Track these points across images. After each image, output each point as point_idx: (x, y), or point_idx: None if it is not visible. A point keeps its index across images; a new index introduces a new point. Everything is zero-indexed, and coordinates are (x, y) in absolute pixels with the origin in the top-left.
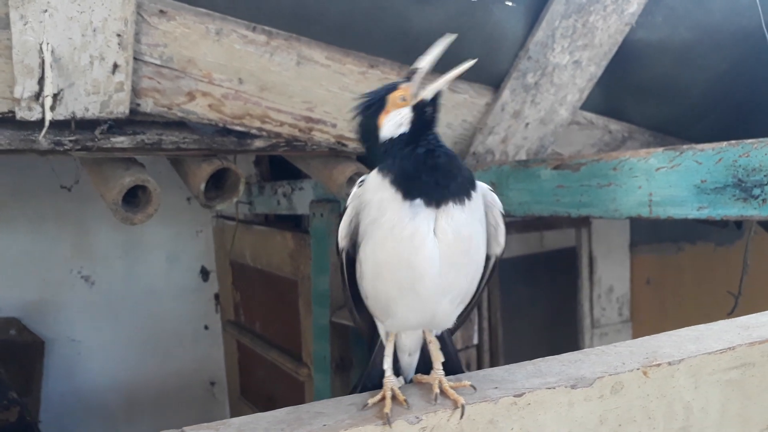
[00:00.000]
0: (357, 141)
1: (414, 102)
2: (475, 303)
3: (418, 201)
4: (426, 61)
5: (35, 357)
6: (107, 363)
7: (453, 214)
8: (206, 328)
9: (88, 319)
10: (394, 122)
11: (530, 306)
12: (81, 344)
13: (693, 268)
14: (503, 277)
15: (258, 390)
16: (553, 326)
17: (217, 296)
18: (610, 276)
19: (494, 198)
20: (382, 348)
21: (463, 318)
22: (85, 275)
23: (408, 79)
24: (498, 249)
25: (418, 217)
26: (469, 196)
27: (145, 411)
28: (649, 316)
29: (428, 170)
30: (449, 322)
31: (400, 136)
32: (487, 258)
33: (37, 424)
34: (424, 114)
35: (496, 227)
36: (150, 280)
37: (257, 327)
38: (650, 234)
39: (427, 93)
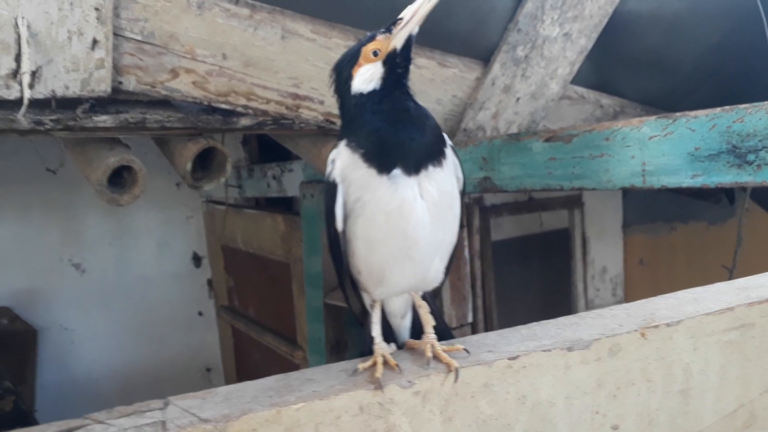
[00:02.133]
0: (332, 92)
1: (385, 56)
2: (452, 254)
3: (396, 172)
4: (410, 11)
5: (28, 346)
6: (101, 351)
7: (434, 175)
8: (200, 314)
9: (81, 307)
10: (365, 78)
11: (524, 287)
12: (74, 332)
13: (686, 248)
14: (497, 259)
15: (254, 375)
16: (547, 307)
17: (210, 282)
18: (603, 257)
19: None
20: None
21: (446, 272)
22: (76, 263)
23: (388, 30)
24: (460, 184)
25: (400, 187)
26: (444, 155)
27: (141, 398)
28: (642, 296)
29: (398, 142)
30: (438, 278)
31: (371, 93)
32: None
33: (32, 413)
34: (396, 67)
35: (454, 163)
36: (141, 267)
37: (251, 311)
38: (643, 214)
39: (397, 41)
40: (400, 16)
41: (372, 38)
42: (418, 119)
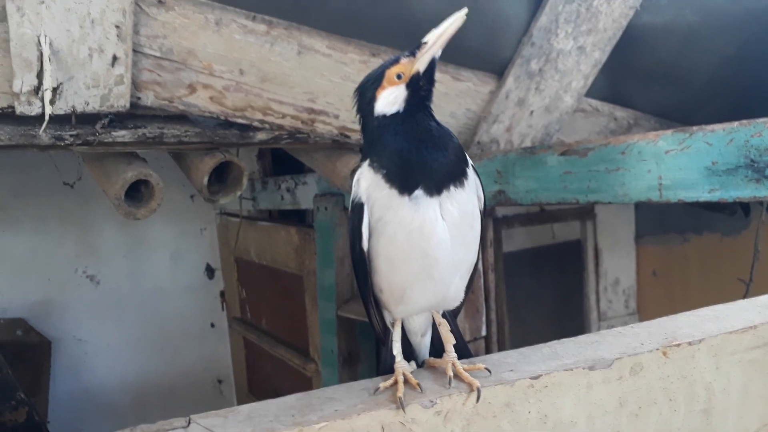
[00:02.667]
0: (355, 112)
1: (408, 79)
2: (475, 276)
3: (418, 192)
4: (434, 36)
5: (42, 357)
6: (114, 362)
7: (456, 196)
8: (212, 325)
9: (94, 319)
10: (388, 100)
11: (536, 299)
12: (87, 344)
13: (699, 259)
14: (509, 271)
15: (266, 386)
16: (559, 319)
17: (222, 293)
18: (616, 268)
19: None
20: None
21: (467, 290)
22: (90, 274)
23: (412, 53)
24: (481, 204)
25: (422, 207)
26: (466, 176)
27: (153, 409)
28: (655, 307)
29: (420, 163)
30: (459, 297)
31: (393, 115)
32: None
33: (45, 424)
34: (419, 90)
35: (476, 183)
36: (155, 279)
37: (263, 323)
38: (656, 225)
39: (421, 64)
40: (424, 40)
41: (396, 61)
42: (441, 140)
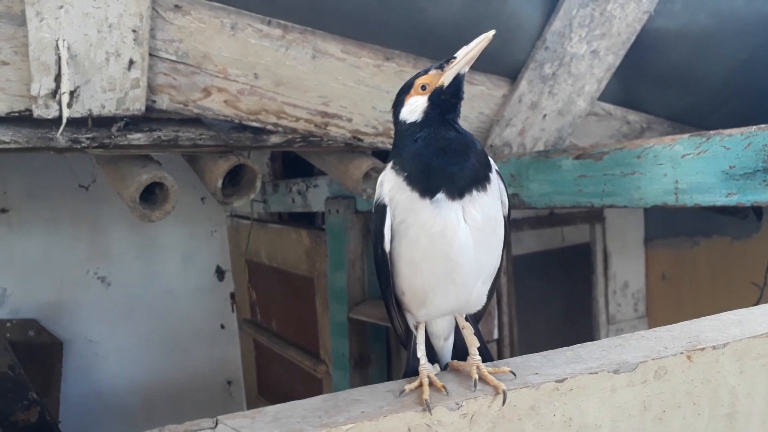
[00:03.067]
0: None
1: (431, 91)
2: (498, 281)
3: (440, 196)
4: (463, 52)
5: (54, 358)
6: (125, 363)
7: (478, 200)
8: (222, 327)
9: (105, 320)
10: (411, 108)
11: (545, 302)
12: (99, 345)
13: (709, 263)
14: (518, 274)
15: (275, 388)
16: (568, 322)
17: (233, 295)
18: (625, 271)
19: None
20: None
21: (490, 295)
22: (102, 276)
23: (441, 67)
24: (505, 209)
25: (444, 211)
26: (489, 180)
27: (163, 411)
28: (665, 311)
29: (441, 167)
30: (481, 302)
31: (413, 123)
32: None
33: (57, 424)
34: (441, 104)
35: (500, 188)
36: (166, 281)
37: (274, 325)
38: (665, 229)
39: (446, 78)
40: (455, 55)
41: (426, 72)
42: (461, 145)
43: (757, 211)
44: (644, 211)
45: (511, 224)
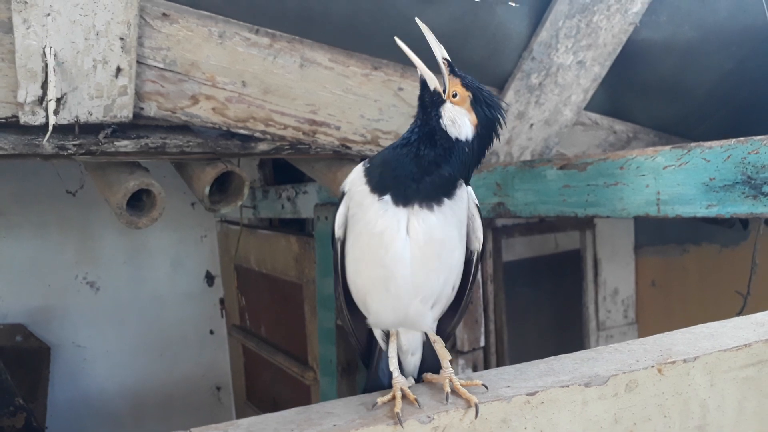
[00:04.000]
0: None
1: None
2: (463, 307)
3: (387, 198)
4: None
5: (41, 363)
6: (113, 368)
7: (423, 216)
8: (212, 332)
9: (94, 325)
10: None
11: (535, 309)
12: (87, 350)
13: (698, 270)
14: (508, 280)
15: (264, 394)
16: (558, 329)
17: (222, 301)
18: (615, 278)
19: (470, 192)
20: (381, 351)
21: (454, 323)
22: (90, 281)
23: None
24: (477, 244)
25: (388, 214)
26: (439, 201)
27: (152, 416)
28: (654, 318)
29: (394, 168)
30: (425, 323)
31: (410, 131)
32: (471, 253)
33: (43, 430)
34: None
35: (473, 221)
36: (155, 286)
37: (263, 331)
38: (655, 236)
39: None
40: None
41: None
42: (429, 163)
43: (742, 220)
44: (634, 219)
45: (481, 262)
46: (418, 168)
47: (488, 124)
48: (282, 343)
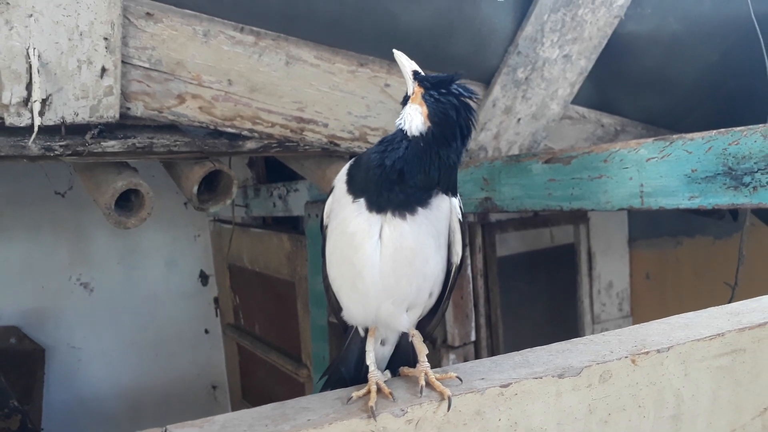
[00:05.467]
0: None
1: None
2: (441, 311)
3: (361, 201)
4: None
5: (36, 365)
6: (108, 369)
7: (396, 224)
8: (206, 332)
9: (88, 326)
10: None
11: (530, 303)
12: (81, 351)
13: (692, 262)
14: (503, 275)
15: (259, 392)
16: (553, 323)
17: (216, 300)
18: (609, 271)
19: (454, 205)
20: (355, 341)
21: (432, 326)
22: (84, 282)
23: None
24: (456, 258)
25: (361, 216)
26: (412, 210)
27: (148, 416)
28: (649, 310)
29: (370, 171)
30: (400, 325)
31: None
32: (450, 265)
33: (39, 431)
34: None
35: (453, 234)
36: (149, 286)
37: (257, 329)
38: (648, 229)
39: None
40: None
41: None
42: (391, 169)
43: (732, 211)
44: (627, 212)
45: (471, 257)
46: (386, 177)
47: (438, 110)
48: (276, 341)
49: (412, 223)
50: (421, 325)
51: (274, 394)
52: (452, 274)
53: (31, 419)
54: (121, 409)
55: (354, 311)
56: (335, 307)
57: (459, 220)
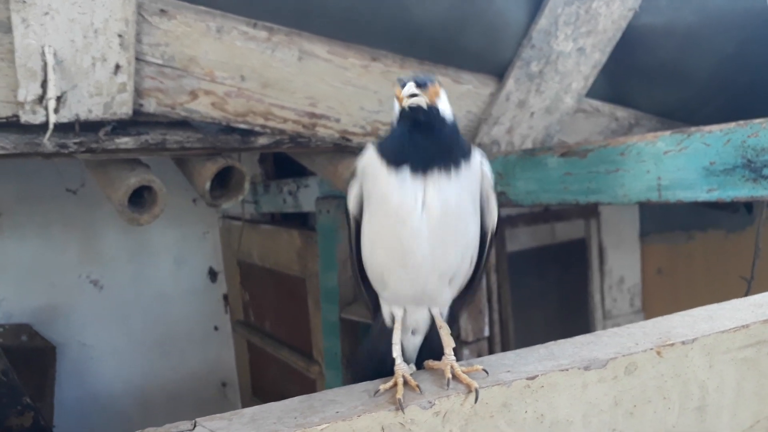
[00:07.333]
0: None
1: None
2: (477, 285)
3: (404, 167)
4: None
5: (47, 362)
6: (119, 366)
7: (441, 184)
8: (216, 329)
9: (99, 324)
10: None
11: (541, 298)
12: (92, 348)
13: (704, 256)
14: (514, 270)
15: (270, 389)
16: (564, 318)
17: (225, 297)
18: (620, 266)
19: (487, 166)
20: (383, 332)
21: (465, 302)
22: (94, 279)
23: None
24: (491, 221)
25: (405, 186)
26: (456, 164)
27: (158, 414)
28: (661, 305)
29: (411, 140)
30: (442, 300)
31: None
32: (484, 232)
33: (51, 428)
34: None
35: (487, 198)
36: (158, 283)
37: (267, 326)
38: (660, 223)
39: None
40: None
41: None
42: (439, 129)
43: (747, 204)
44: (639, 206)
45: (495, 239)
46: (425, 132)
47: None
48: (286, 337)
49: (456, 182)
50: (457, 302)
51: (285, 391)
52: (488, 239)
53: (43, 416)
54: (131, 406)
55: (401, 291)
56: (370, 297)
57: (490, 182)
